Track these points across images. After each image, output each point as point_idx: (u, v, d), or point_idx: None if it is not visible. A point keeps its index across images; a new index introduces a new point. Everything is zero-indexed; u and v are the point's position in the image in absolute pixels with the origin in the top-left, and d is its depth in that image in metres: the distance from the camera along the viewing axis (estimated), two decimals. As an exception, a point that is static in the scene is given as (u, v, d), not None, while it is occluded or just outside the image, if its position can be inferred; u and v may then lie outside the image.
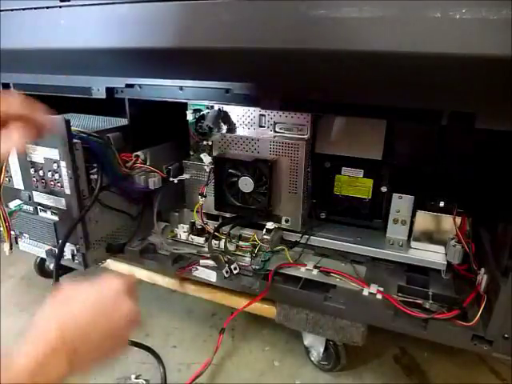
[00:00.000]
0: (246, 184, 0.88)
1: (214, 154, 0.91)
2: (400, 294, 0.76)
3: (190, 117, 0.92)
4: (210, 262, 0.85)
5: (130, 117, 0.93)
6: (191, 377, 0.86)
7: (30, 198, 0.85)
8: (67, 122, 0.72)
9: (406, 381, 0.93)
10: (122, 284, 0.47)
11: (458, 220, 0.78)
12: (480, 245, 0.76)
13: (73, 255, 0.84)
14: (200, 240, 0.93)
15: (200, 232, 0.94)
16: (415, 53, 0.43)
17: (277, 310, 0.82)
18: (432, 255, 0.81)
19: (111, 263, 0.97)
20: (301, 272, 0.82)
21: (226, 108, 0.87)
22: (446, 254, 0.79)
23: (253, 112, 0.86)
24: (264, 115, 0.86)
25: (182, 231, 0.95)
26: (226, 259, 0.83)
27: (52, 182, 0.79)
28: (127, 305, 0.46)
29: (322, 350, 0.88)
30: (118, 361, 0.96)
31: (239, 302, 0.86)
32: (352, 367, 0.93)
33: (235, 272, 0.82)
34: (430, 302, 0.72)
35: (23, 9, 0.68)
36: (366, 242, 0.87)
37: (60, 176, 0.78)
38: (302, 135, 0.84)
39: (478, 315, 0.69)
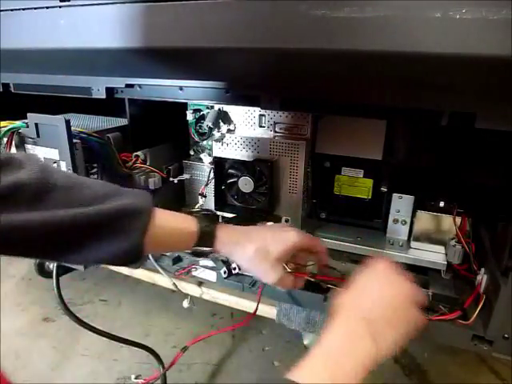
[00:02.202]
0: (246, 184, 0.88)
1: (214, 153, 0.91)
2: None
3: (189, 117, 0.92)
4: (210, 263, 0.85)
5: (130, 117, 0.93)
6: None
7: (30, 198, 0.85)
8: (67, 122, 0.72)
9: (406, 381, 0.93)
10: (389, 267, 0.54)
11: (458, 220, 0.78)
12: (480, 245, 0.76)
13: (73, 255, 0.84)
14: (200, 240, 0.93)
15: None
16: (415, 53, 0.43)
17: (277, 309, 0.82)
18: (432, 255, 0.81)
19: (111, 263, 0.97)
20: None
21: (226, 108, 0.87)
22: (446, 254, 0.79)
23: (253, 112, 0.86)
24: (264, 115, 0.86)
25: (182, 231, 0.95)
26: (225, 259, 0.83)
27: (52, 182, 0.79)
28: (406, 285, 0.52)
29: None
30: (118, 361, 0.96)
31: (239, 302, 0.86)
32: (352, 367, 0.93)
33: (234, 272, 0.82)
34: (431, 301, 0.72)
35: (23, 9, 0.68)
36: (366, 242, 0.87)
37: (60, 176, 0.78)
38: (302, 135, 0.84)
39: (478, 315, 0.69)
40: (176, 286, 0.86)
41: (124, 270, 0.98)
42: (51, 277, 0.75)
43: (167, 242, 0.58)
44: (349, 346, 0.45)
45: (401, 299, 0.51)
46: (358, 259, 0.87)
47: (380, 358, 0.47)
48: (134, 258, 0.52)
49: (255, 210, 0.89)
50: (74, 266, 0.86)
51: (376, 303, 0.49)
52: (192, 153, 0.99)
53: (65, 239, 0.46)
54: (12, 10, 0.69)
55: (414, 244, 0.85)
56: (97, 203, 0.48)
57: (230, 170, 0.90)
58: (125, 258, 0.50)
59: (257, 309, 0.78)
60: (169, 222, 0.57)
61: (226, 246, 0.61)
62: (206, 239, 0.59)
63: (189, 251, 0.62)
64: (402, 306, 0.50)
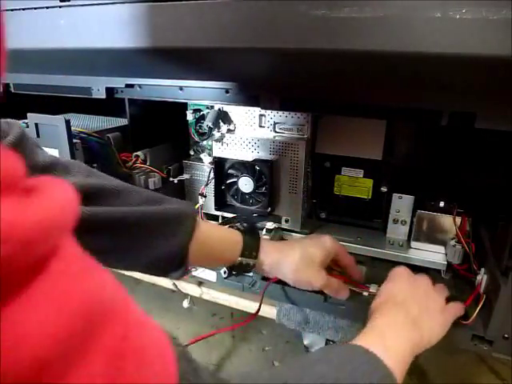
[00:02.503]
0: (246, 184, 0.88)
1: (214, 154, 0.91)
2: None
3: (189, 117, 0.92)
4: (210, 262, 0.85)
5: (130, 117, 0.93)
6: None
7: (30, 198, 0.85)
8: (67, 122, 0.72)
9: (406, 381, 0.93)
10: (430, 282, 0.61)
11: (458, 220, 0.78)
12: (480, 245, 0.76)
13: (73, 255, 0.84)
14: (200, 240, 0.93)
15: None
16: (415, 53, 0.43)
17: (277, 309, 0.82)
18: (432, 255, 0.81)
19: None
20: (301, 272, 0.82)
21: (226, 108, 0.87)
22: (446, 254, 0.79)
23: (253, 112, 0.86)
24: (264, 115, 0.86)
25: (181, 231, 0.95)
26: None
27: (52, 182, 0.79)
28: (429, 281, 0.60)
29: (322, 350, 0.88)
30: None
31: (239, 302, 0.86)
32: (352, 367, 0.93)
33: (234, 272, 0.82)
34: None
35: (23, 9, 0.68)
36: (366, 242, 0.87)
37: (60, 176, 0.78)
38: (302, 135, 0.84)
39: (478, 315, 0.69)
40: (176, 286, 0.87)
41: (123, 270, 0.98)
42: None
43: (213, 250, 0.57)
44: (395, 331, 0.48)
45: (431, 293, 0.57)
46: (358, 259, 0.87)
47: (425, 345, 0.52)
48: (176, 264, 0.51)
49: (255, 210, 0.89)
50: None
51: (409, 296, 0.54)
52: (192, 153, 0.99)
53: (134, 233, 0.47)
54: (12, 10, 0.69)
55: (414, 244, 0.85)
56: (149, 205, 0.50)
57: (229, 170, 0.90)
58: (166, 263, 0.50)
59: (259, 309, 0.77)
60: (214, 230, 0.58)
61: (270, 256, 0.61)
62: (251, 249, 0.59)
63: (230, 265, 0.61)
64: (434, 297, 0.57)
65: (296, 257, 0.61)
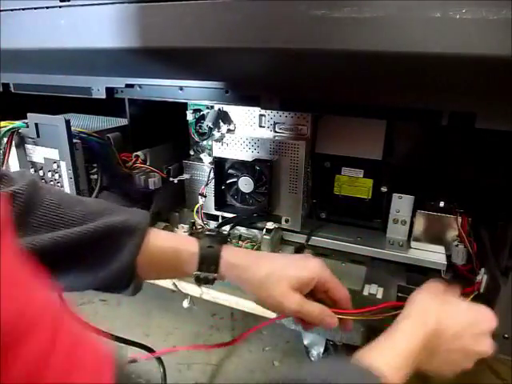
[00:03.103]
0: (246, 184, 0.88)
1: (214, 154, 0.91)
2: (400, 294, 0.76)
3: (189, 117, 0.92)
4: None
5: (130, 117, 0.93)
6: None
7: (30, 198, 0.85)
8: (67, 122, 0.72)
9: (406, 381, 0.93)
10: (492, 321, 0.52)
11: (460, 220, 0.78)
12: (480, 245, 0.76)
13: (73, 255, 0.84)
14: (200, 240, 0.93)
15: (200, 232, 0.94)
16: (415, 53, 0.43)
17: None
18: (432, 255, 0.81)
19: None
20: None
21: (226, 108, 0.87)
22: (450, 255, 0.79)
23: (253, 112, 0.86)
24: (264, 115, 0.86)
25: (181, 231, 0.95)
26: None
27: (52, 182, 0.79)
28: (487, 341, 0.51)
29: (321, 349, 0.88)
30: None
31: (239, 302, 0.86)
32: (352, 367, 0.93)
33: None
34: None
35: (23, 9, 0.68)
36: (366, 242, 0.87)
37: (60, 176, 0.78)
38: (302, 135, 0.84)
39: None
40: (176, 286, 0.86)
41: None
42: (51, 277, 0.76)
43: (166, 263, 0.51)
44: (409, 349, 0.44)
45: (475, 328, 0.50)
46: (358, 259, 0.87)
47: (430, 373, 0.48)
48: (126, 281, 0.47)
49: (255, 210, 0.89)
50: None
51: (451, 321, 0.48)
52: (192, 153, 0.99)
53: (48, 265, 0.44)
54: (12, 10, 0.69)
55: (413, 244, 0.85)
56: (87, 221, 0.45)
57: (229, 170, 0.90)
58: (115, 281, 0.46)
59: (277, 317, 0.70)
60: (166, 241, 0.52)
61: (232, 269, 0.53)
62: (209, 262, 0.52)
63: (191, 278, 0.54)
64: (475, 335, 0.49)
65: (261, 274, 0.52)
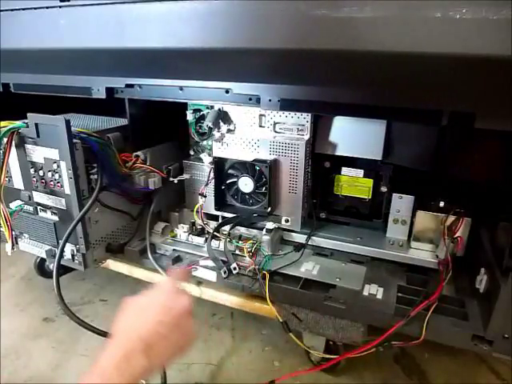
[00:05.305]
0: (246, 184, 0.88)
1: (214, 154, 0.91)
2: (400, 294, 0.76)
3: (189, 117, 0.92)
4: (210, 263, 0.85)
5: (130, 117, 0.93)
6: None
7: (30, 198, 0.85)
8: (67, 122, 0.71)
9: (406, 381, 0.93)
10: (169, 285, 0.58)
11: (451, 219, 0.79)
12: (480, 245, 0.76)
13: (72, 255, 0.84)
14: (200, 240, 0.93)
15: (200, 232, 0.94)
16: (415, 53, 0.43)
17: (277, 310, 0.82)
18: (432, 255, 0.81)
19: (111, 263, 0.97)
20: (301, 272, 0.82)
21: (226, 108, 0.87)
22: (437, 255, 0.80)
23: (253, 112, 0.86)
24: (264, 115, 0.86)
25: (181, 231, 0.95)
26: (225, 259, 0.83)
27: (52, 182, 0.79)
28: (180, 300, 0.55)
29: (321, 350, 0.88)
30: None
31: (239, 302, 0.86)
32: (352, 367, 0.93)
33: (234, 272, 0.82)
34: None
35: (23, 9, 0.68)
36: (366, 242, 0.87)
37: (60, 176, 0.78)
38: (302, 135, 0.84)
39: (478, 315, 0.69)
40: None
41: (124, 270, 0.99)
42: (51, 277, 0.75)
43: None
44: (124, 365, 0.46)
45: (175, 315, 0.53)
46: (358, 259, 0.87)
47: (154, 370, 0.49)
48: None
49: (255, 210, 0.89)
50: (73, 266, 0.86)
51: (151, 322, 0.51)
52: (192, 153, 0.99)
53: None
54: (12, 10, 0.69)
55: (413, 244, 0.85)
56: None
57: (229, 170, 0.90)
58: None
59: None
60: None
61: None
62: None
63: None
64: (177, 321, 0.53)
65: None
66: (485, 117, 0.55)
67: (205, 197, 0.93)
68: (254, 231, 0.89)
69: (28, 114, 0.76)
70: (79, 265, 0.84)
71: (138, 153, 0.90)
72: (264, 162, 0.84)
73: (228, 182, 0.91)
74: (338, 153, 0.88)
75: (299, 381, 0.91)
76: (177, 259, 0.89)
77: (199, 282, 0.88)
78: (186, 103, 0.90)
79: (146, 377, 0.48)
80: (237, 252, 0.86)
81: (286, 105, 0.70)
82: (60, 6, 0.64)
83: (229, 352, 1.01)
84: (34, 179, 0.82)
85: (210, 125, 0.85)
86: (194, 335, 0.56)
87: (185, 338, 0.54)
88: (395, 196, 0.85)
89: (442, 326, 0.68)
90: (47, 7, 0.65)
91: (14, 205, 0.86)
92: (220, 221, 0.94)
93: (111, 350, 0.48)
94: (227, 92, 0.74)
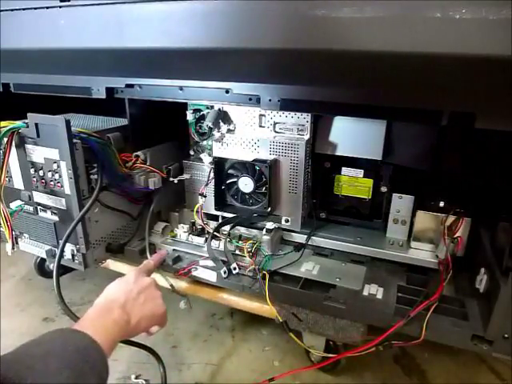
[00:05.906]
0: (246, 184, 0.88)
1: (214, 154, 0.91)
2: (400, 294, 0.76)
3: (189, 117, 0.92)
4: (210, 263, 0.85)
5: (130, 117, 0.93)
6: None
7: (30, 198, 0.85)
8: (67, 122, 0.71)
9: (406, 381, 0.93)
10: (136, 271, 0.73)
11: (451, 219, 0.79)
12: (480, 245, 0.76)
13: (73, 255, 0.84)
14: (200, 240, 0.93)
15: (200, 232, 0.94)
16: (415, 53, 0.43)
17: (277, 310, 0.82)
18: (432, 255, 0.81)
19: (111, 263, 0.97)
20: (301, 272, 0.82)
21: (226, 108, 0.87)
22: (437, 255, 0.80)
23: (253, 112, 0.86)
24: (264, 115, 0.86)
25: (181, 231, 0.95)
26: (225, 259, 0.83)
27: (52, 182, 0.79)
28: (144, 277, 0.72)
29: (322, 349, 0.88)
30: (118, 360, 0.96)
31: (239, 302, 0.86)
32: (352, 367, 0.93)
33: (234, 272, 0.82)
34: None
35: (23, 9, 0.68)
36: (366, 242, 0.87)
37: (60, 176, 0.78)
38: (302, 135, 0.84)
39: (478, 315, 0.69)
40: (173, 287, 0.86)
41: (124, 270, 0.98)
42: (51, 277, 0.75)
43: None
44: (104, 314, 0.59)
45: (141, 284, 0.68)
46: (358, 259, 0.87)
47: (131, 330, 0.62)
48: None
49: (255, 210, 0.89)
50: (73, 266, 0.86)
51: (123, 290, 0.66)
52: (192, 153, 0.99)
53: None
54: (12, 10, 0.69)
55: (413, 244, 0.85)
56: None
57: (229, 170, 0.90)
58: None
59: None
60: None
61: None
62: None
63: None
64: (143, 289, 0.68)
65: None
66: (485, 117, 0.55)
67: (205, 197, 0.93)
68: (254, 231, 0.90)
69: (28, 114, 0.76)
70: (79, 265, 0.84)
71: (138, 153, 0.90)
72: (264, 161, 0.84)
73: (228, 182, 0.91)
74: (338, 153, 0.89)
75: (299, 381, 0.91)
76: (177, 259, 0.89)
77: (199, 281, 0.88)
78: (185, 103, 0.90)
79: (130, 332, 0.61)
80: (237, 252, 0.86)
81: (286, 105, 0.70)
82: (60, 6, 0.64)
83: (229, 352, 1.01)
84: (34, 179, 0.82)
85: (210, 125, 0.85)
86: (162, 303, 0.69)
87: (154, 302, 0.68)
88: (395, 196, 0.85)
89: (442, 325, 0.68)
90: (47, 7, 0.65)
91: (14, 205, 0.86)
92: (220, 221, 0.94)
93: (92, 309, 0.60)
94: (227, 92, 0.74)
